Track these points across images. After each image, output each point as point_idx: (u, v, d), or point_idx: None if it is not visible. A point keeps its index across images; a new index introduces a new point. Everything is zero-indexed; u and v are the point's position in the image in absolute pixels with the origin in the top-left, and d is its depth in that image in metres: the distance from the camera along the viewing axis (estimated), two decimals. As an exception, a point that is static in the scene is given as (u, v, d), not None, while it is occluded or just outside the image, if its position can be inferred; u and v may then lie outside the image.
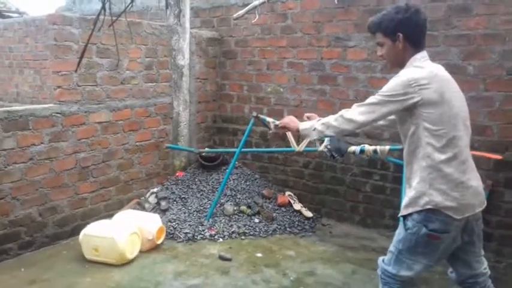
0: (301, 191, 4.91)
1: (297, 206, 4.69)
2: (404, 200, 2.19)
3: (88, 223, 4.13)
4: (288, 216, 4.55)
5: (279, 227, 4.36)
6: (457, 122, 2.09)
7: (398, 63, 2.22)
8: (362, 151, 3.90)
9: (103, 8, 3.81)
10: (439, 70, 2.17)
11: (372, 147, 3.88)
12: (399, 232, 2.21)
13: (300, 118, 4.68)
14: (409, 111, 2.09)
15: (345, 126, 2.27)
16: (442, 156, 2.05)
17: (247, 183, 4.94)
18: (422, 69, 2.11)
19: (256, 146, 5.16)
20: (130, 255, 3.60)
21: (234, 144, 5.31)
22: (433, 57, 4.00)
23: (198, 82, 5.19)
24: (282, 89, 4.93)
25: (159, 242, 3.88)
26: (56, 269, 3.49)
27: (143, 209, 4.45)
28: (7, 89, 6.82)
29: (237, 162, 4.89)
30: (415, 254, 2.14)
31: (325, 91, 4.64)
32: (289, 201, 4.72)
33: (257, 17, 4.71)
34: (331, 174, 4.69)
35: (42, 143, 3.74)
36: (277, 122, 3.14)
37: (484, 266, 2.30)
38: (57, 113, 3.82)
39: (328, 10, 4.50)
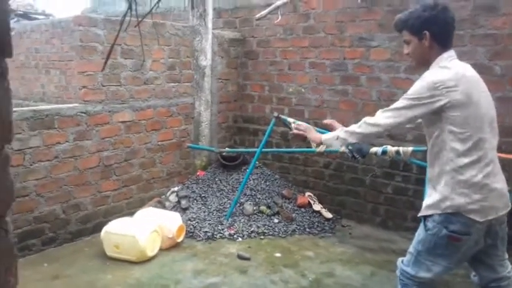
0: (321, 191, 4.89)
1: (317, 206, 4.66)
2: (426, 201, 2.17)
3: (110, 220, 4.21)
4: (308, 217, 4.53)
5: (298, 227, 4.35)
6: (483, 123, 2.05)
7: (424, 61, 2.19)
8: (384, 152, 3.84)
9: (129, 8, 3.87)
10: (467, 70, 2.13)
11: (395, 148, 3.82)
12: (419, 233, 2.18)
13: (323, 118, 4.67)
14: (435, 114, 2.06)
15: (369, 130, 2.23)
16: (466, 160, 2.02)
17: (267, 183, 4.94)
18: (449, 70, 2.06)
19: (276, 146, 5.16)
20: (150, 253, 3.65)
21: (254, 144, 5.31)
22: (460, 57, 3.91)
23: (220, 82, 5.22)
24: (303, 89, 4.91)
25: (179, 240, 3.91)
26: (78, 265, 3.55)
27: (164, 207, 4.50)
28: (33, 89, 6.98)
29: (257, 162, 4.90)
30: (434, 255, 2.11)
31: (347, 91, 4.60)
32: (309, 202, 4.70)
33: (279, 17, 4.71)
34: (352, 175, 4.65)
35: (67, 141, 3.82)
36: (293, 126, 3.05)
37: (508, 270, 2.25)
38: (82, 112, 3.90)
39: (351, 10, 4.47)
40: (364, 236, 4.32)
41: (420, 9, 2.13)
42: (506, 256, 2.26)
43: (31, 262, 3.56)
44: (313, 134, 2.67)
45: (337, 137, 2.37)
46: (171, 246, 3.84)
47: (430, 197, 2.14)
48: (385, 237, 4.28)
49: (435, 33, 2.10)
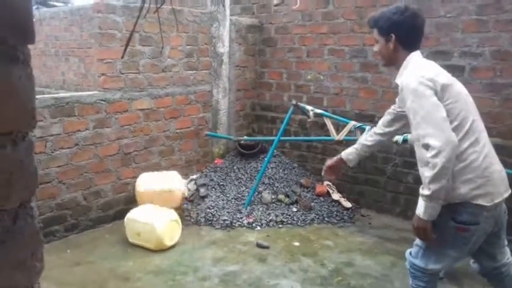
0: (340, 180, 4.83)
1: (336, 196, 4.63)
2: None
3: (130, 208, 4.25)
4: (326, 206, 4.50)
5: (317, 216, 4.33)
6: (469, 106, 2.05)
7: (390, 61, 2.24)
8: (405, 140, 3.79)
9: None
10: (434, 64, 2.16)
11: (415, 137, 3.76)
12: None
13: (341, 106, 4.62)
14: None
15: (438, 160, 1.89)
16: (465, 144, 1.98)
17: (286, 172, 4.92)
18: (424, 66, 2.10)
19: (294, 134, 5.12)
20: (169, 242, 3.66)
21: (272, 133, 5.29)
22: (483, 43, 3.84)
23: (238, 70, 5.19)
24: (322, 77, 4.85)
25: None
26: (99, 251, 3.60)
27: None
28: (54, 77, 7.05)
29: (275, 151, 4.87)
30: (443, 246, 2.08)
31: (366, 79, 4.53)
32: (328, 191, 4.67)
33: (298, 3, 4.64)
34: (372, 164, 4.59)
35: (87, 129, 3.85)
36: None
37: (507, 257, 2.25)
38: (102, 100, 3.92)
39: (372, -5, 4.37)
40: (384, 225, 4.28)
41: (391, 11, 2.16)
42: (506, 243, 2.24)
43: (55, 248, 3.62)
44: (423, 225, 2.06)
45: (424, 200, 2.00)
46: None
47: None
48: (405, 227, 4.22)
49: (400, 36, 2.13)
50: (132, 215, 3.75)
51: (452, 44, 3.97)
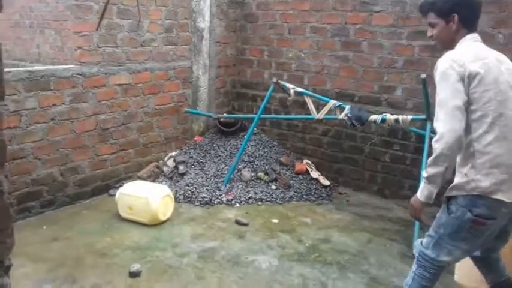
0: (319, 159, 4.88)
1: (315, 174, 4.67)
2: (453, 183, 2.08)
3: (108, 184, 4.23)
4: (305, 184, 4.55)
5: (295, 194, 4.37)
6: (503, 99, 1.97)
7: (449, 44, 2.16)
8: (383, 120, 3.83)
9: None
10: (487, 50, 2.08)
11: (394, 117, 3.80)
12: (440, 216, 2.13)
13: (322, 85, 4.62)
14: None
15: (439, 149, 1.94)
16: (490, 137, 1.95)
17: (265, 150, 4.93)
18: (464, 49, 2.06)
19: (275, 112, 5.11)
20: (162, 217, 3.68)
21: (253, 110, 5.27)
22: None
23: (218, 46, 5.11)
24: (303, 55, 4.82)
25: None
26: (77, 227, 3.57)
27: (162, 172, 4.50)
28: (28, 50, 6.83)
29: (255, 129, 4.87)
30: (457, 239, 2.06)
31: (348, 57, 4.52)
32: (307, 169, 4.71)
33: (280, -21, 4.57)
34: (350, 143, 4.64)
35: (63, 103, 3.76)
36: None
37: (503, 245, 2.30)
38: (78, 74, 3.83)
39: (354, -27, 4.33)
40: (361, 203, 4.35)
41: None
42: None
43: (30, 224, 3.57)
44: (416, 204, 2.16)
45: (425, 181, 2.06)
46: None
47: (457, 178, 2.07)
48: (382, 205, 4.31)
49: (463, 16, 2.09)
50: (124, 189, 3.74)
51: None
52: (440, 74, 2.00)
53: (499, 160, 1.95)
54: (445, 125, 1.92)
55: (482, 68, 1.96)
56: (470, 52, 2.03)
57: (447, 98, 1.95)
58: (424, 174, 2.05)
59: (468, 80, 1.95)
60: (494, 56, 2.07)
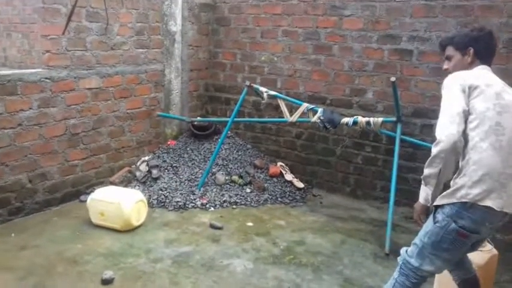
0: (293, 161, 4.91)
1: (289, 176, 4.70)
2: (444, 192, 2.12)
3: (79, 190, 4.14)
4: (280, 187, 4.56)
5: (270, 197, 4.38)
6: (503, 111, 2.03)
7: None
8: (355, 122, 3.89)
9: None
10: (494, 81, 2.15)
11: (365, 119, 3.87)
12: (427, 225, 2.16)
13: (295, 88, 4.66)
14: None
15: (436, 152, 2.01)
16: (484, 145, 2.00)
17: (239, 153, 4.93)
18: (472, 72, 2.18)
19: (248, 115, 5.12)
20: (135, 223, 3.63)
21: (226, 114, 5.26)
22: (430, 28, 3.96)
23: (191, 49, 5.09)
24: (276, 58, 4.85)
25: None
26: (47, 235, 3.48)
27: (134, 177, 4.44)
28: (-6, 53, 6.66)
29: (229, 132, 4.86)
30: (439, 249, 2.10)
31: (319, 61, 4.58)
32: (281, 172, 4.73)
33: (252, -17, 4.59)
34: (323, 145, 4.68)
35: (30, 108, 3.67)
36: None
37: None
38: (46, 78, 3.74)
39: (325, -23, 4.39)
40: (335, 205, 4.40)
41: (468, 29, 2.33)
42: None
43: (-3, 232, 3.47)
44: (419, 208, 2.24)
45: (423, 183, 2.15)
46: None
47: (448, 189, 2.09)
48: (354, 206, 4.36)
49: (478, 50, 2.22)
50: (97, 195, 3.67)
51: (401, 28, 4.07)
52: (445, 86, 2.13)
53: (492, 168, 1.98)
54: (443, 130, 2.01)
55: (483, 82, 2.08)
56: (475, 72, 2.17)
57: (448, 105, 2.06)
58: (422, 176, 2.14)
59: (469, 91, 2.06)
60: (499, 81, 2.16)
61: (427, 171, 2.08)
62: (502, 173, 1.99)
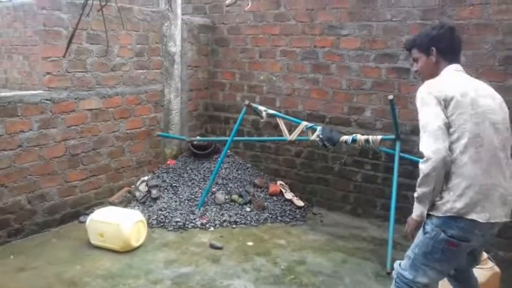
0: (292, 180, 4.91)
1: (289, 195, 4.69)
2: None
3: (78, 211, 4.13)
4: (280, 205, 4.55)
5: (270, 216, 4.36)
6: (479, 121, 2.02)
7: (432, 75, 2.25)
8: (354, 140, 3.90)
9: (93, -8, 3.74)
10: (467, 79, 2.16)
11: (364, 137, 3.88)
12: (418, 236, 2.17)
13: (294, 107, 4.68)
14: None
15: (426, 170, 2.01)
16: (464, 157, 2.00)
17: (239, 172, 4.93)
18: (442, 78, 2.18)
19: (248, 134, 5.14)
20: (135, 243, 3.61)
21: (225, 133, 5.28)
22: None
23: (190, 70, 5.14)
24: (274, 78, 4.89)
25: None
26: (45, 256, 3.46)
27: (134, 197, 4.43)
28: (-5, 75, 6.71)
29: (228, 151, 4.87)
30: (431, 260, 2.10)
31: (318, 80, 4.61)
32: (281, 191, 4.72)
33: (250, 4, 4.64)
34: (323, 163, 4.69)
35: (31, 129, 3.68)
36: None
37: (478, 262, 2.36)
38: (47, 99, 3.76)
39: (322, -2, 4.46)
40: (335, 223, 4.38)
41: (429, 29, 2.33)
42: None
43: (-5, 255, 3.45)
44: (412, 222, 2.23)
45: (416, 207, 2.14)
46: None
47: (436, 201, 2.10)
48: (355, 225, 4.34)
49: (441, 49, 2.23)
50: (95, 216, 3.65)
51: (398, 47, 4.11)
52: (420, 100, 2.12)
53: (473, 181, 1.99)
54: (430, 146, 2.00)
55: (458, 92, 2.05)
56: (448, 79, 2.15)
57: (428, 121, 2.04)
58: (415, 194, 2.12)
59: (445, 103, 2.04)
60: (474, 83, 2.15)
61: (420, 190, 2.07)
62: (484, 184, 2.00)
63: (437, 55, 2.23)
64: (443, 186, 2.06)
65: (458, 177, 2.01)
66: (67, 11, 3.80)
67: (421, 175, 2.04)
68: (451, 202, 2.01)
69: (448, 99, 2.03)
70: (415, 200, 2.13)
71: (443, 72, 2.21)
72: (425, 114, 2.07)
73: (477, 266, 2.44)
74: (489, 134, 2.03)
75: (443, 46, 2.22)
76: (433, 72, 2.25)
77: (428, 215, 2.11)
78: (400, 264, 2.26)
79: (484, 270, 2.67)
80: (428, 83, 2.15)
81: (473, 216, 1.98)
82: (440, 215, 2.04)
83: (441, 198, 2.06)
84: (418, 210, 2.13)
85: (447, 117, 2.03)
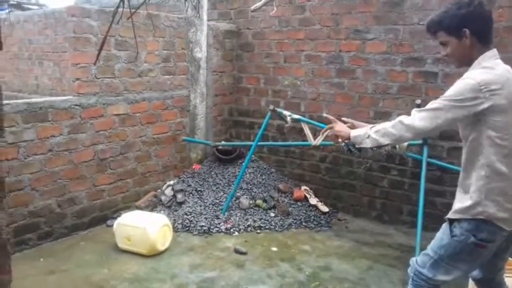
0: (317, 185, 4.88)
1: (313, 200, 4.66)
2: (455, 205, 2.09)
3: (106, 215, 4.21)
4: (304, 211, 4.53)
5: (294, 221, 4.34)
6: None
7: (466, 61, 2.06)
8: (380, 146, 3.84)
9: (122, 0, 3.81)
10: (510, 72, 2.02)
11: (390, 142, 3.82)
12: (442, 237, 2.11)
13: (319, 111, 4.65)
14: (474, 117, 1.95)
15: (403, 133, 2.07)
16: (503, 167, 1.94)
17: (263, 177, 4.93)
18: (493, 70, 1.95)
19: (272, 139, 5.14)
20: (161, 247, 3.66)
21: (250, 138, 5.29)
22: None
23: (215, 75, 5.18)
24: (299, 82, 4.88)
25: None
26: (74, 259, 3.53)
27: (160, 201, 4.49)
28: (27, 81, 6.90)
29: (253, 156, 4.88)
30: (456, 260, 2.07)
31: (343, 84, 4.58)
32: (305, 196, 4.70)
33: (275, 9, 4.65)
34: (348, 168, 4.65)
35: (61, 134, 3.78)
36: (326, 128, 2.76)
37: (504, 265, 2.29)
38: (76, 105, 3.86)
39: (347, 2, 4.43)
40: (361, 229, 4.33)
41: (454, 7, 2.02)
42: (506, 262, 2.30)
43: (27, 257, 3.54)
44: (341, 127, 2.45)
45: (368, 135, 2.21)
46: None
47: (460, 202, 2.06)
48: (381, 231, 4.28)
49: (475, 30, 1.98)
50: (122, 219, 3.72)
51: (426, 51, 4.05)
52: (466, 84, 1.93)
53: (508, 190, 1.96)
54: (423, 121, 2.02)
55: (507, 98, 1.92)
56: (496, 76, 1.94)
57: (448, 106, 1.96)
58: (373, 129, 2.19)
59: (492, 109, 1.90)
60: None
61: (376, 136, 2.15)
62: None
63: (471, 37, 1.98)
64: (475, 187, 2.00)
65: (492, 183, 1.96)
66: (96, 18, 3.89)
67: (393, 129, 2.10)
68: (483, 206, 1.97)
69: (496, 106, 1.89)
70: (369, 132, 2.19)
71: (483, 63, 1.98)
72: (452, 97, 1.95)
73: (508, 275, 2.37)
74: None
75: (477, 27, 1.98)
76: (467, 56, 2.04)
77: (455, 220, 2.06)
78: (416, 261, 2.22)
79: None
80: (480, 78, 1.90)
81: (499, 223, 1.97)
82: (469, 217, 2.00)
83: (469, 198, 2.01)
84: (360, 139, 2.24)
85: (489, 123, 1.92)
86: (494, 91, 1.89)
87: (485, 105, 1.90)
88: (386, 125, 2.16)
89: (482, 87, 1.89)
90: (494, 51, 2.02)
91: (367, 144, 2.22)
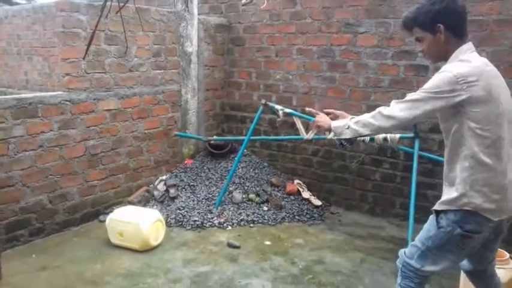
0: (310, 179, 4.89)
1: (306, 194, 4.67)
2: (442, 197, 2.10)
3: (98, 210, 4.18)
4: (297, 205, 4.54)
5: (287, 215, 4.35)
6: (502, 121, 1.97)
7: (442, 56, 2.09)
8: (372, 139, 3.86)
9: (110, -6, 3.78)
10: (486, 64, 2.03)
11: (382, 135, 3.84)
12: (429, 229, 2.12)
13: (310, 105, 4.64)
14: (453, 109, 1.96)
15: (383, 123, 2.11)
16: (486, 158, 1.95)
17: (256, 171, 4.93)
18: (470, 63, 1.97)
19: (264, 133, 5.14)
20: (154, 242, 3.65)
21: (242, 132, 5.28)
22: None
23: (206, 69, 5.16)
24: (290, 76, 4.88)
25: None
26: (66, 255, 3.51)
27: (152, 196, 4.47)
28: (16, 77, 6.83)
29: (245, 150, 4.88)
30: (444, 251, 2.08)
31: (334, 78, 4.58)
32: (298, 190, 4.71)
33: (265, 2, 4.64)
34: (340, 162, 4.66)
35: (51, 130, 3.74)
36: (312, 121, 2.81)
37: (494, 256, 2.31)
38: (66, 100, 3.82)
39: (338, -5, 4.43)
40: (353, 223, 4.35)
41: (428, 3, 2.04)
42: (497, 254, 2.31)
43: (19, 253, 3.51)
44: (322, 118, 2.53)
45: (348, 126, 2.25)
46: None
47: (446, 194, 2.07)
48: (373, 224, 4.31)
49: (449, 25, 2.00)
50: (115, 215, 3.71)
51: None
52: (443, 77, 1.95)
53: (492, 180, 1.97)
54: (402, 112, 2.05)
55: (485, 88, 1.92)
56: (472, 68, 1.95)
57: (426, 97, 1.98)
58: (353, 120, 2.24)
59: (470, 100, 1.91)
60: (492, 70, 2.03)
61: (357, 127, 2.20)
62: (503, 185, 1.99)
63: (446, 32, 2.01)
64: (460, 178, 2.01)
65: (477, 174, 1.97)
66: (85, 12, 3.85)
67: (373, 120, 2.14)
68: (468, 197, 1.98)
69: (475, 98, 1.90)
70: (350, 124, 2.24)
71: (460, 56, 2.00)
72: (431, 90, 1.96)
73: (499, 266, 2.40)
74: (506, 134, 1.99)
75: (450, 21, 2.00)
76: (442, 52, 2.06)
77: (442, 211, 2.07)
78: (405, 253, 2.24)
79: (506, 270, 2.64)
80: (457, 71, 1.92)
81: (486, 214, 1.98)
82: (456, 209, 2.01)
83: (455, 191, 2.01)
84: (340, 130, 2.29)
85: (442, 107, 1.96)
86: (471, 83, 1.91)
87: (463, 97, 1.91)
88: (366, 116, 2.20)
89: (459, 79, 1.91)
90: (469, 45, 2.05)
91: (347, 134, 2.27)
